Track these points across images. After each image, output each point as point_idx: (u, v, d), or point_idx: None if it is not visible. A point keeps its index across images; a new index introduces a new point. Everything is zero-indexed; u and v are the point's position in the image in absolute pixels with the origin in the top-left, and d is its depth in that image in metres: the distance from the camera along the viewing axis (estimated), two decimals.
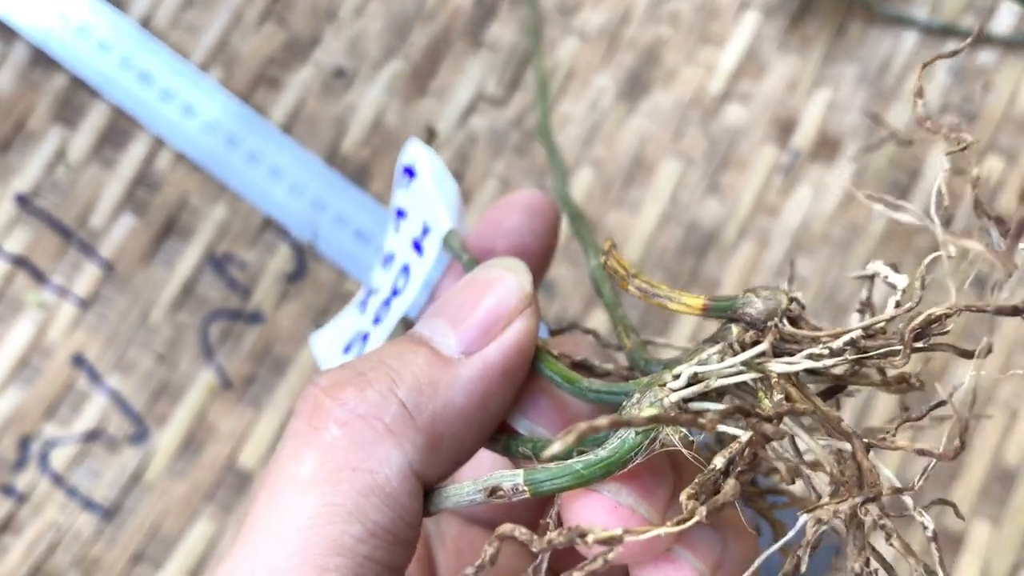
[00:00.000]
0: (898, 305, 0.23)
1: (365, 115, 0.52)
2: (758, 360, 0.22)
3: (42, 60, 0.52)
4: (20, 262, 0.50)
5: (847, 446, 0.22)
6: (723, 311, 0.24)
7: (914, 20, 0.53)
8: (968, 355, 0.22)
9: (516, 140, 0.53)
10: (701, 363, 0.23)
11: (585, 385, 0.25)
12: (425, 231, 0.31)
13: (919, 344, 0.22)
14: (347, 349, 0.32)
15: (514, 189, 0.52)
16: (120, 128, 0.52)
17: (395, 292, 0.31)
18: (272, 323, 0.50)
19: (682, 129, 0.53)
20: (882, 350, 0.22)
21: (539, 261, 0.30)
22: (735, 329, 0.23)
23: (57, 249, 0.50)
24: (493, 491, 0.23)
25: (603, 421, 0.19)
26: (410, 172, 0.31)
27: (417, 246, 0.31)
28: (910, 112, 0.52)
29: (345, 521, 0.22)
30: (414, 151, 0.31)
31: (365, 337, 0.31)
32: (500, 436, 0.25)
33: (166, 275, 0.50)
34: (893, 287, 0.24)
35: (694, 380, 0.23)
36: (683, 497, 0.21)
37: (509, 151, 0.53)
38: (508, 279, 0.26)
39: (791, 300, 0.23)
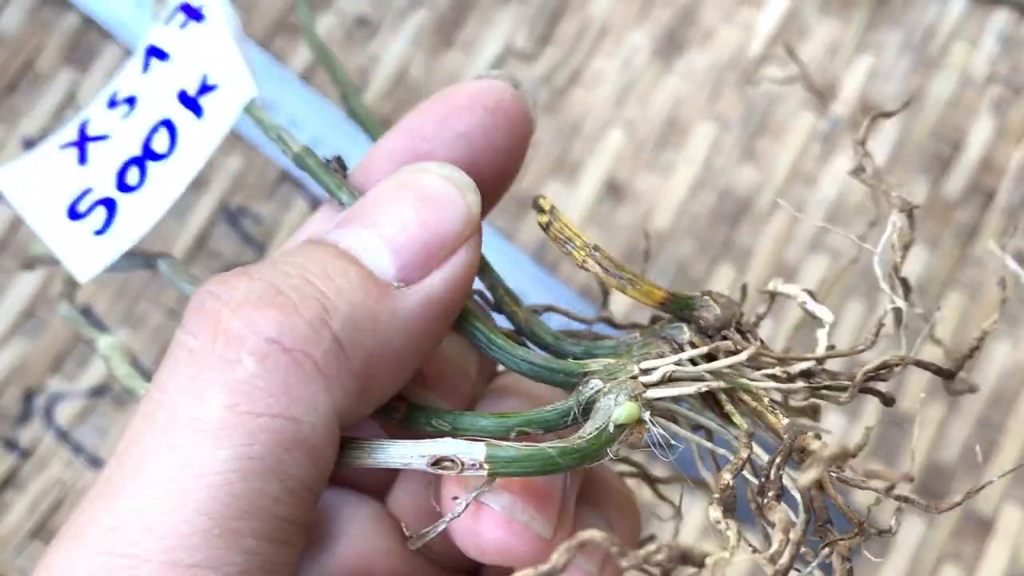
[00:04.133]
0: (829, 342, 0.23)
1: (389, 66, 0.50)
2: (725, 367, 0.22)
3: None
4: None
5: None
6: (680, 308, 0.23)
7: None
8: (887, 402, 0.23)
9: (546, 98, 0.51)
10: (655, 357, 0.22)
11: (520, 353, 0.22)
12: (206, 88, 0.25)
13: (866, 384, 0.22)
14: (75, 213, 0.26)
15: (541, 150, 0.50)
16: None
17: (151, 155, 0.25)
18: None
19: (718, 91, 0.51)
20: (829, 383, 0.22)
21: (492, 187, 0.23)
22: (687, 330, 0.23)
23: None
24: (439, 461, 0.20)
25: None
26: (192, 13, 0.26)
27: (192, 104, 0.25)
28: (954, 83, 0.51)
29: (262, 479, 0.18)
30: None
31: (110, 204, 0.25)
32: (396, 404, 0.22)
33: (178, 227, 0.48)
34: (813, 317, 0.23)
35: (665, 379, 0.21)
36: (715, 515, 0.20)
37: (538, 108, 0.51)
38: (452, 194, 0.21)
39: (741, 313, 0.23)
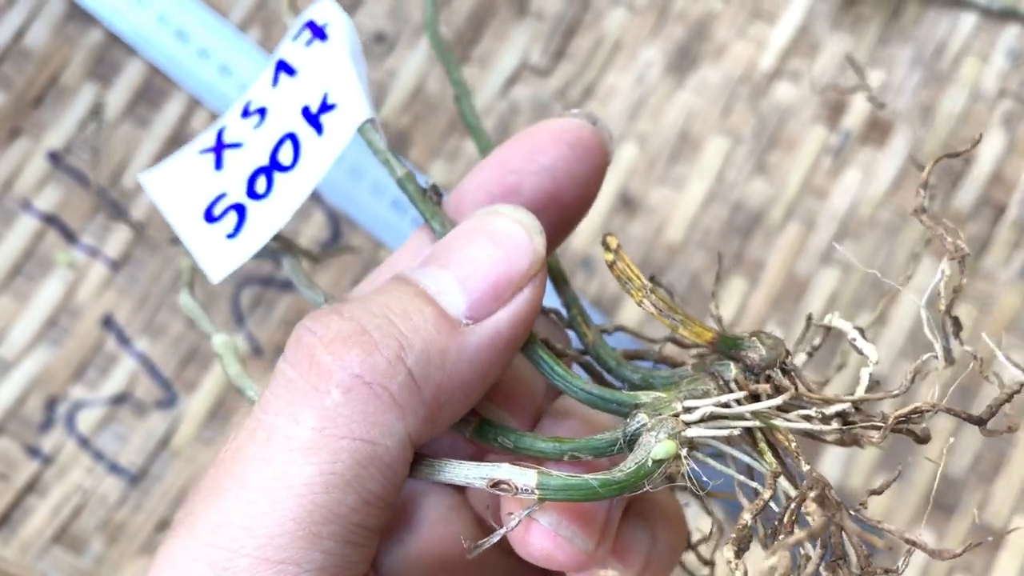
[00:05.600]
0: (872, 379, 0.24)
1: (406, 81, 0.51)
2: (764, 409, 0.23)
3: (77, 14, 0.51)
4: (51, 220, 0.49)
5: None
6: (728, 348, 0.24)
7: (973, 2, 0.52)
8: (920, 441, 0.24)
9: (560, 110, 0.51)
10: (701, 395, 0.24)
11: (578, 383, 0.24)
12: (326, 107, 0.27)
13: (898, 426, 0.23)
14: (210, 216, 0.28)
15: None
16: (155, 86, 0.51)
17: (277, 166, 0.27)
18: None
19: (730, 106, 0.51)
20: (864, 423, 0.23)
21: (572, 214, 0.26)
22: (734, 369, 0.24)
23: (89, 207, 0.49)
24: (497, 483, 0.23)
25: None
26: (318, 32, 0.28)
27: (313, 121, 0.27)
28: (964, 98, 0.51)
29: (342, 491, 0.21)
30: (329, 11, 0.27)
31: (240, 210, 0.27)
32: (469, 418, 0.24)
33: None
34: (861, 353, 0.24)
35: (706, 417, 0.23)
36: (728, 555, 0.21)
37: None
38: (520, 237, 0.23)
39: (788, 353, 0.24)
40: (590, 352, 0.26)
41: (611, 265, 0.25)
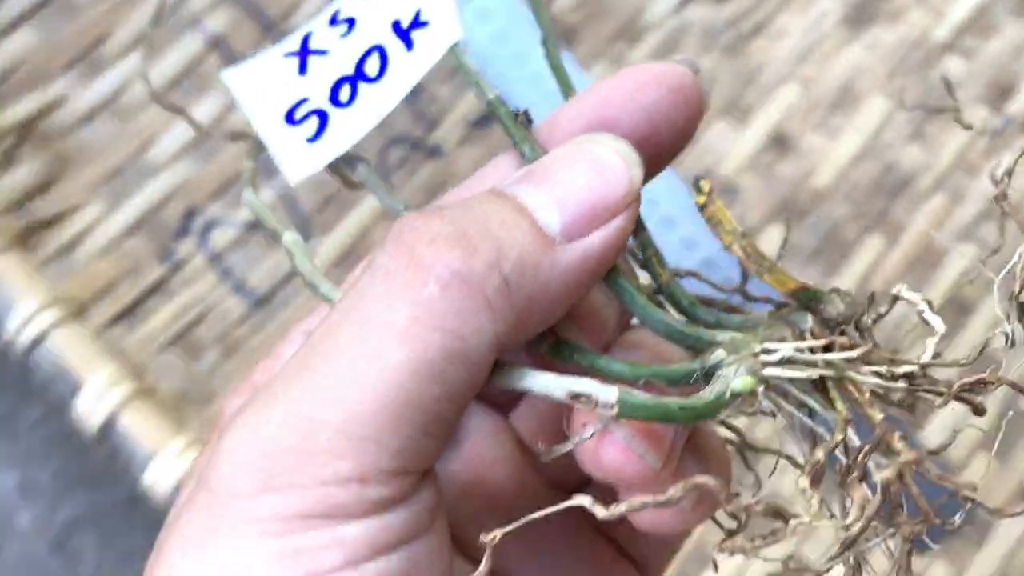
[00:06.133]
0: (936, 353, 0.25)
1: None
2: (840, 360, 0.24)
3: None
4: (217, 42, 0.50)
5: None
6: (808, 299, 0.25)
7: None
8: (978, 412, 0.25)
9: (728, 39, 0.51)
10: (778, 340, 0.24)
11: (658, 315, 0.25)
12: (418, 23, 0.27)
13: (960, 394, 0.24)
14: (291, 119, 0.28)
15: (715, 90, 0.50)
16: None
17: (363, 76, 0.27)
18: (450, 161, 0.49)
19: (898, 69, 0.51)
20: (927, 387, 0.24)
21: (664, 157, 0.26)
22: (811, 320, 0.25)
23: (255, 38, 0.50)
24: (577, 395, 0.23)
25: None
26: None
27: (404, 35, 0.27)
28: None
29: (429, 381, 0.22)
30: None
31: (322, 116, 0.28)
32: (546, 336, 0.25)
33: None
34: (927, 323, 0.25)
35: (784, 361, 0.24)
36: (802, 484, 0.23)
37: (719, 50, 0.51)
38: (619, 165, 0.24)
39: (864, 312, 0.25)
40: (664, 291, 0.26)
41: (703, 207, 0.26)
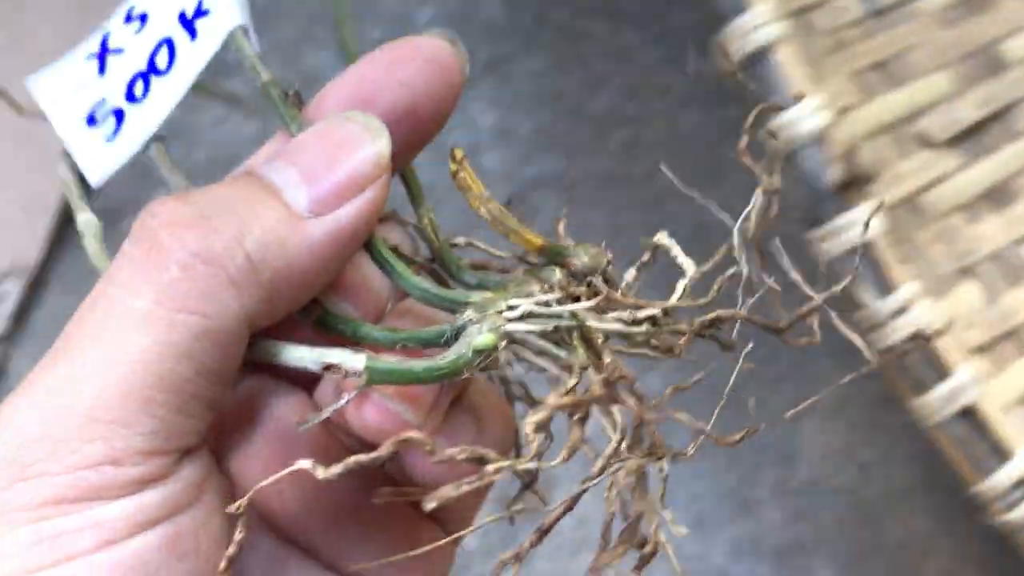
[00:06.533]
0: (684, 290, 0.27)
1: None
2: (579, 309, 0.25)
3: None
4: None
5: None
6: (555, 255, 0.27)
7: None
8: (725, 348, 0.27)
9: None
10: (525, 296, 0.26)
11: (414, 281, 0.26)
12: (200, 12, 0.28)
13: (702, 332, 0.26)
14: (92, 120, 0.28)
15: None
16: None
17: (155, 70, 0.28)
18: None
19: None
20: (670, 327, 0.26)
21: (426, 129, 0.27)
22: (558, 273, 0.26)
23: None
24: (329, 366, 0.24)
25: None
26: None
27: (188, 25, 0.28)
28: None
29: (176, 361, 0.22)
30: None
31: (119, 114, 0.28)
32: (311, 306, 0.26)
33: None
34: (680, 268, 0.27)
35: (526, 315, 0.25)
36: (528, 429, 0.24)
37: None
38: (365, 139, 0.25)
39: (608, 263, 0.27)
40: (436, 259, 0.28)
41: (454, 175, 0.27)
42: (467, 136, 0.69)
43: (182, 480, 0.23)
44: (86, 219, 0.29)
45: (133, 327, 0.23)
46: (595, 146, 0.70)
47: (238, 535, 0.23)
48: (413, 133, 0.26)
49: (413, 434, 0.23)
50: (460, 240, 0.29)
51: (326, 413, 0.25)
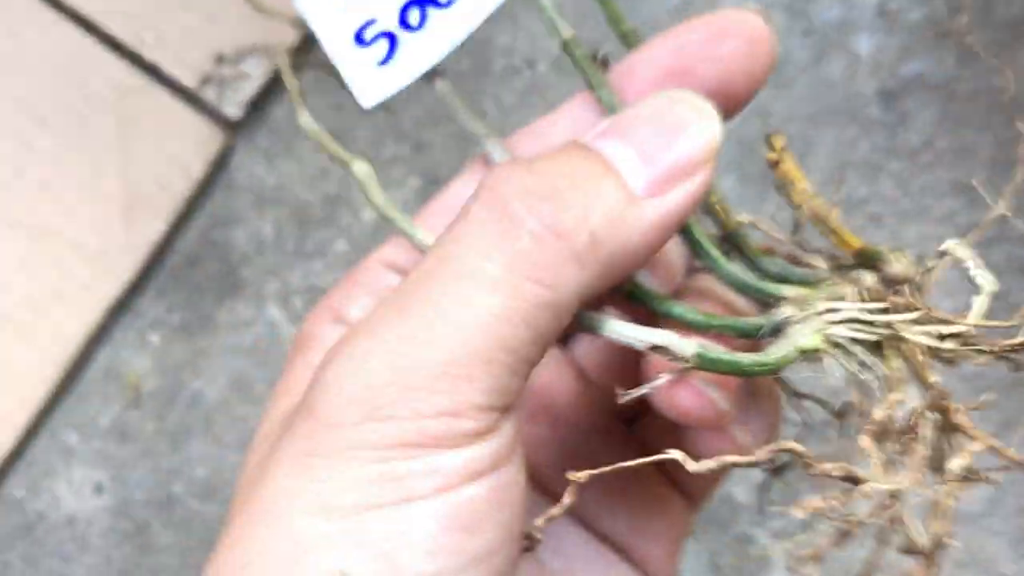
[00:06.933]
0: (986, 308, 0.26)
1: None
2: (899, 321, 0.25)
3: None
4: None
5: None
6: (870, 259, 0.26)
7: None
8: (1018, 368, 0.26)
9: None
10: (839, 299, 0.26)
11: (729, 268, 0.27)
12: None
13: (1005, 355, 0.25)
14: (360, 39, 0.28)
15: None
16: None
17: (433, 1, 0.28)
18: None
19: None
20: (972, 347, 0.25)
21: (733, 107, 0.28)
22: (870, 278, 0.26)
23: None
24: (657, 347, 0.25)
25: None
26: None
27: None
28: None
29: (518, 326, 0.24)
30: None
31: (391, 38, 0.28)
32: (623, 282, 0.27)
33: None
34: (974, 283, 0.26)
35: (849, 319, 0.25)
36: (864, 443, 0.25)
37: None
38: (701, 126, 0.25)
39: (921, 272, 0.26)
40: (729, 239, 0.28)
41: (774, 165, 0.27)
42: (841, 9, 0.63)
43: (504, 436, 0.24)
44: (364, 169, 0.29)
45: (483, 289, 0.24)
46: (1000, 56, 0.59)
47: (567, 499, 0.25)
48: (719, 109, 0.26)
49: (793, 445, 0.24)
50: (743, 218, 0.29)
51: (646, 388, 0.26)
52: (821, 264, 0.28)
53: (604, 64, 0.28)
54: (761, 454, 0.24)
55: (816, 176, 0.62)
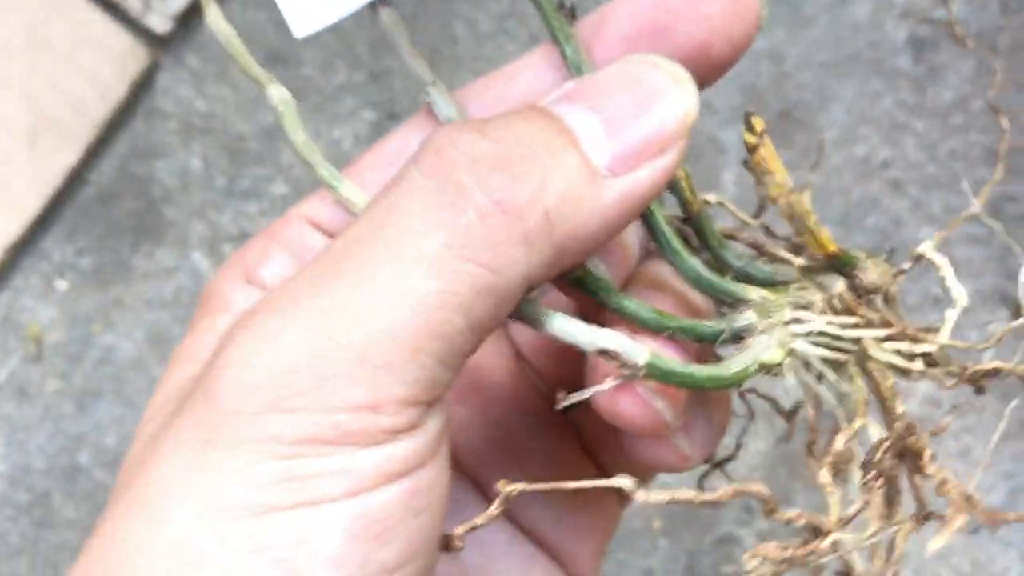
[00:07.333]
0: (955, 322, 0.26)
1: None
2: (868, 337, 0.25)
3: None
4: None
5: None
6: (843, 264, 0.25)
7: None
8: (978, 391, 0.26)
9: None
10: (805, 305, 0.25)
11: (691, 263, 0.26)
12: None
13: (971, 379, 0.25)
14: None
15: None
16: None
17: None
18: None
19: None
20: (943, 369, 0.25)
21: (711, 73, 0.26)
22: (841, 285, 0.25)
23: None
24: (606, 351, 0.24)
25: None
26: None
27: None
28: None
29: (454, 312, 0.22)
30: None
31: None
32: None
33: None
34: (947, 293, 0.25)
35: (813, 333, 0.25)
36: (823, 478, 0.24)
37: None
38: (676, 97, 0.24)
39: (893, 281, 0.26)
40: (692, 223, 0.27)
41: (751, 150, 0.25)
42: None
43: (428, 432, 0.23)
44: (281, 95, 0.27)
45: (418, 269, 0.22)
46: None
47: (494, 509, 0.24)
48: (697, 76, 0.25)
49: (759, 490, 0.24)
50: (711, 197, 0.28)
51: (589, 393, 0.25)
52: (790, 256, 0.27)
53: (571, 14, 0.26)
54: (725, 494, 0.23)
55: (832, 133, 0.56)
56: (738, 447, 0.30)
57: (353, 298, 0.22)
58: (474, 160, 0.23)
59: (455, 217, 0.22)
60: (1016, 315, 0.25)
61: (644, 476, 0.29)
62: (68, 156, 0.64)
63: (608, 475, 0.29)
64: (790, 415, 0.29)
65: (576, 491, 0.28)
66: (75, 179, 0.65)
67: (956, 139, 0.57)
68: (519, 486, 0.24)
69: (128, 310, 0.64)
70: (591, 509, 0.30)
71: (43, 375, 0.64)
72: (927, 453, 0.24)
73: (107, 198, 0.65)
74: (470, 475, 0.29)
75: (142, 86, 0.64)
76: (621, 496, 0.29)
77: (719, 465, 0.30)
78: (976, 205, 0.27)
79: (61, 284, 0.65)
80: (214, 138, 0.64)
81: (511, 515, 0.29)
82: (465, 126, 0.24)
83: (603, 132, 0.24)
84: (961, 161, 0.57)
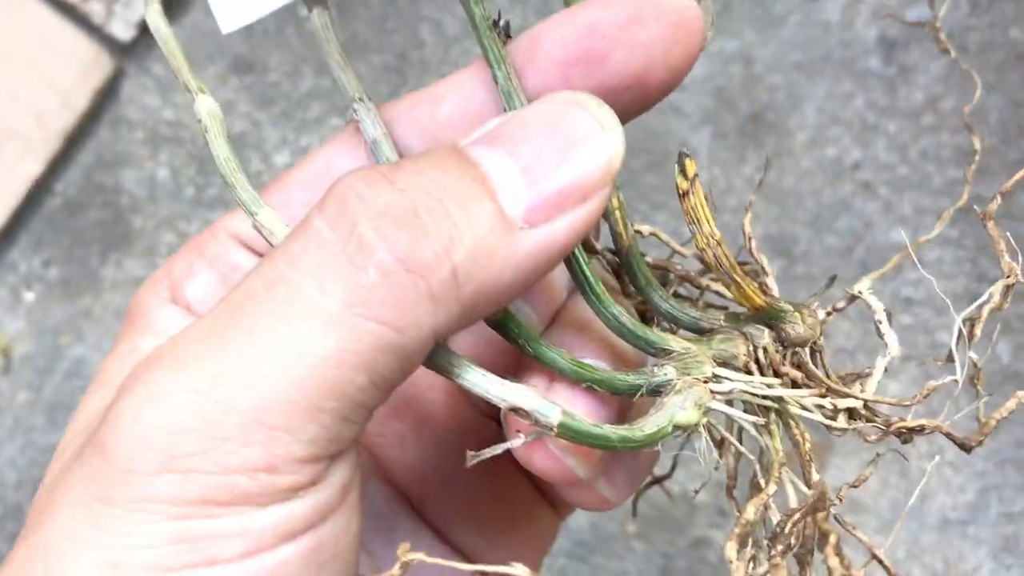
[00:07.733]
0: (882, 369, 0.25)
1: None
2: (778, 392, 0.24)
3: None
4: None
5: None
6: (770, 317, 0.25)
7: None
8: (904, 441, 0.25)
9: None
10: (729, 357, 0.25)
11: (613, 311, 0.25)
12: None
13: (898, 436, 0.25)
14: None
15: None
16: None
17: None
18: None
19: None
20: (864, 424, 0.25)
21: (650, 98, 0.25)
22: (767, 336, 0.25)
23: None
24: (517, 409, 0.23)
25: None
26: None
27: None
28: None
29: (354, 371, 0.21)
30: None
31: None
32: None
33: None
34: (882, 337, 0.25)
35: (731, 394, 0.25)
36: (729, 553, 0.23)
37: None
38: (600, 143, 0.23)
39: (820, 335, 0.25)
40: (622, 259, 0.26)
41: (683, 196, 0.24)
42: None
43: (331, 486, 0.22)
44: (209, 106, 0.26)
45: (315, 328, 0.21)
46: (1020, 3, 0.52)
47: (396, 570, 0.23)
48: (636, 103, 0.24)
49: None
50: (644, 229, 0.28)
51: (499, 450, 0.24)
52: (722, 290, 0.27)
53: (506, 31, 0.25)
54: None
55: (803, 135, 0.55)
56: (674, 467, 0.30)
57: (245, 357, 0.21)
58: (379, 213, 0.22)
59: (355, 275, 0.21)
60: (949, 359, 0.25)
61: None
62: (32, 166, 0.63)
63: (543, 491, 0.30)
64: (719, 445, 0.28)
65: (507, 511, 0.29)
66: (41, 189, 0.63)
67: (927, 140, 0.56)
68: (418, 555, 0.23)
69: (97, 321, 0.63)
70: (526, 523, 0.30)
71: (12, 387, 0.63)
72: (833, 538, 0.23)
73: (74, 208, 0.63)
74: (404, 491, 0.28)
75: (106, 94, 0.62)
76: (556, 508, 0.30)
77: (657, 482, 0.30)
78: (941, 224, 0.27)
79: (28, 296, 0.63)
80: (181, 147, 0.62)
81: (443, 532, 0.29)
82: (373, 174, 0.22)
83: (521, 180, 0.23)
84: (932, 162, 0.56)
